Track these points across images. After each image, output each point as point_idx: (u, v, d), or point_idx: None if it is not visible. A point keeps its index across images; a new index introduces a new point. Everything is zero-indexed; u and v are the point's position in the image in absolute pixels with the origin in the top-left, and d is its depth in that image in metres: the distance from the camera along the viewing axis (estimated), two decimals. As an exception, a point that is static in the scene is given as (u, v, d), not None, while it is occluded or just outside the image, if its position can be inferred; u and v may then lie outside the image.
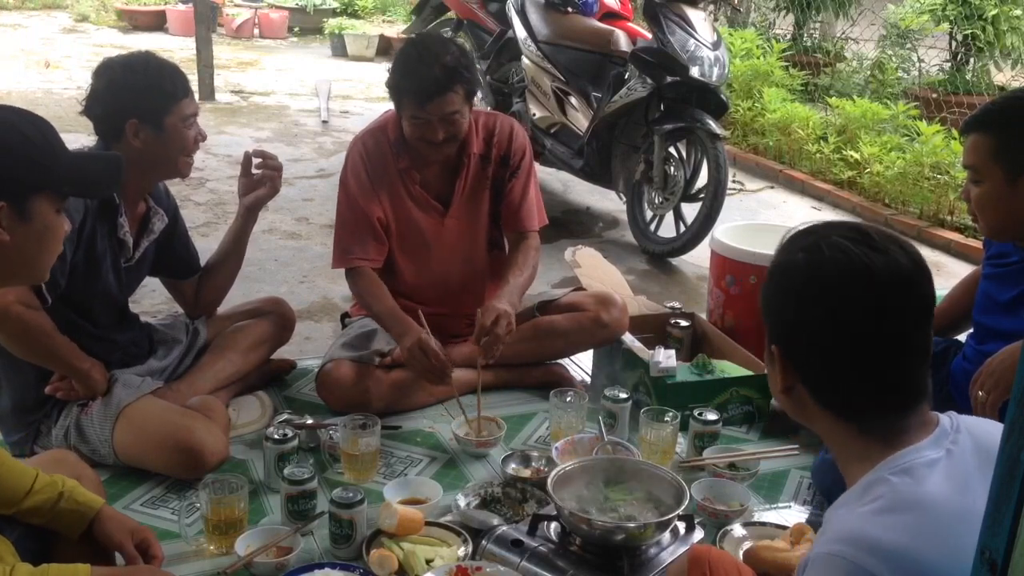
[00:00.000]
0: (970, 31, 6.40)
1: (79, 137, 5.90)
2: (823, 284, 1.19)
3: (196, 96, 2.50)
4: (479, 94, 4.72)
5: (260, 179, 2.66)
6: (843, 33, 8.13)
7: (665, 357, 2.73)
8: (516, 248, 2.89)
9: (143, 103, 2.33)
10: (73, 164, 1.63)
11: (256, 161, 2.66)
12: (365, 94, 7.99)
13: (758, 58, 6.71)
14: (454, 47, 2.66)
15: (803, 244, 1.23)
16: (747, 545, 2.09)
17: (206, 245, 2.84)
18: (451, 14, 5.69)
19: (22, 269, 1.60)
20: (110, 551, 1.77)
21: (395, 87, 2.64)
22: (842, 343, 1.19)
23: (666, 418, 2.48)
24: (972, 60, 6.67)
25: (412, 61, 2.60)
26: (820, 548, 1.12)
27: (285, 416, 2.57)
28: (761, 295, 1.29)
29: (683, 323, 3.09)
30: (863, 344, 1.17)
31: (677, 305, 3.31)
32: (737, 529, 2.19)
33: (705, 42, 4.21)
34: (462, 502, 2.22)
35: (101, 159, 1.88)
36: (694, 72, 4.14)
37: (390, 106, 2.79)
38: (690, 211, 4.35)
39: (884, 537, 1.07)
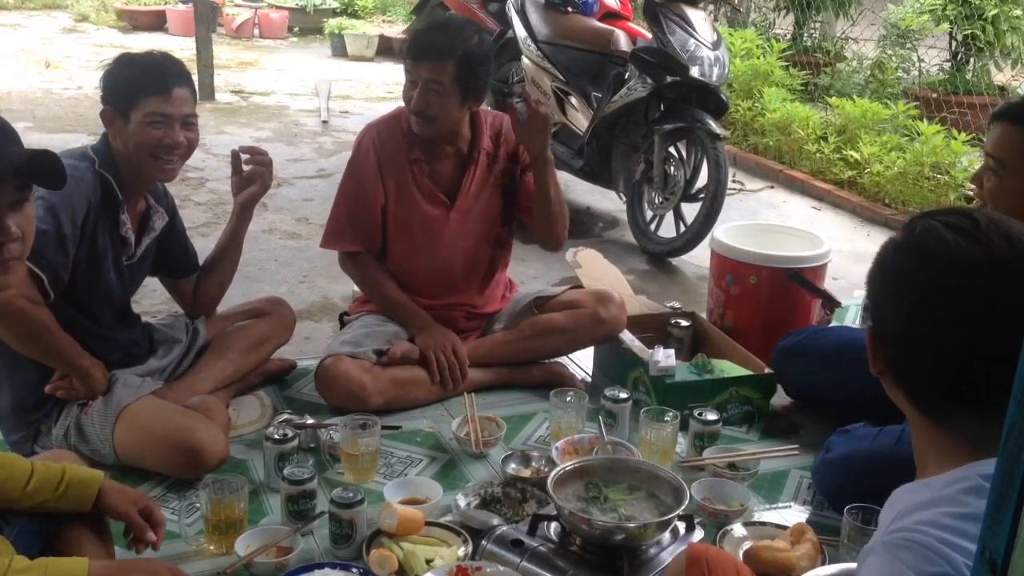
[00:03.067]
0: (970, 31, 6.40)
1: (79, 137, 5.93)
2: (913, 272, 1.15)
3: (196, 98, 2.46)
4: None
5: (251, 176, 2.65)
6: (843, 33, 8.13)
7: (664, 356, 2.73)
8: None
9: (115, 90, 2.33)
10: None
11: (245, 157, 2.65)
12: (365, 94, 7.99)
13: (758, 58, 6.71)
14: (476, 37, 2.71)
15: (907, 226, 1.19)
16: (747, 545, 2.09)
17: (206, 245, 2.84)
18: (451, 14, 5.69)
19: None
20: (108, 547, 1.81)
21: (405, 47, 2.73)
22: (922, 333, 1.14)
23: (666, 418, 2.48)
24: (972, 60, 6.67)
25: (429, 24, 2.73)
26: (895, 533, 1.09)
27: (285, 416, 2.57)
28: (868, 276, 1.26)
29: (683, 323, 3.09)
30: (943, 337, 1.11)
31: (677, 305, 3.31)
32: (737, 529, 2.19)
33: (705, 42, 4.21)
34: (462, 502, 2.22)
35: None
36: (694, 72, 4.14)
37: (391, 106, 2.81)
38: (690, 211, 4.35)
39: (960, 541, 1.04)
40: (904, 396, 1.21)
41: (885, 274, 1.20)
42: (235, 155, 2.64)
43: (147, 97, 2.31)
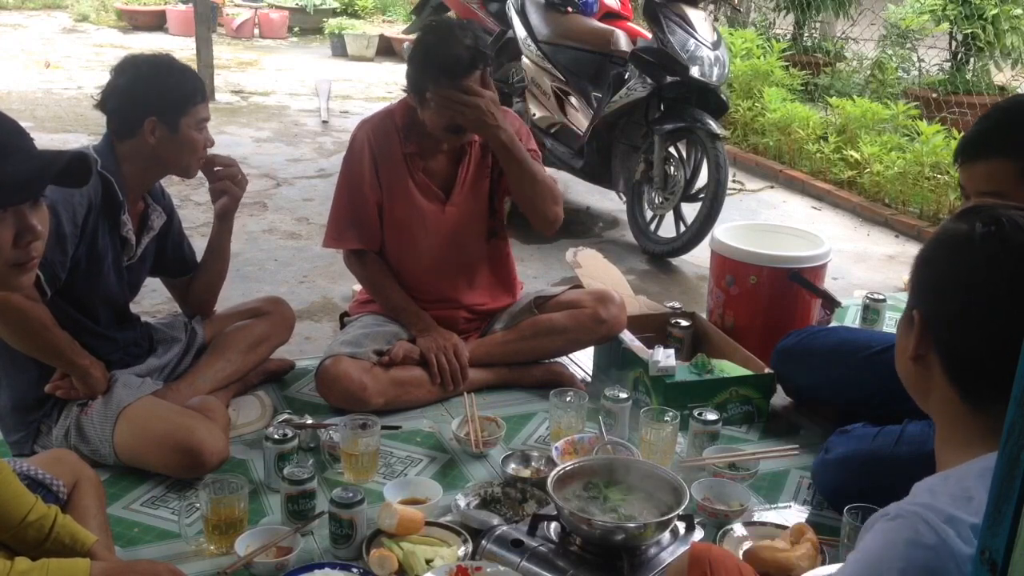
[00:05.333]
0: (970, 31, 6.40)
1: (79, 137, 5.93)
2: (999, 262, 1.17)
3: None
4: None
5: (219, 188, 2.62)
6: (843, 33, 8.13)
7: (664, 356, 2.73)
8: None
9: (164, 102, 2.35)
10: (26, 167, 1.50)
11: (218, 169, 2.61)
12: (365, 94, 7.99)
13: (758, 58, 6.71)
14: (471, 32, 2.69)
15: (982, 218, 1.20)
16: (747, 545, 2.09)
17: (206, 245, 2.84)
18: (451, 14, 5.69)
19: None
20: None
21: (420, 71, 2.64)
22: (999, 324, 1.16)
23: (666, 418, 2.48)
24: (972, 60, 6.67)
25: (436, 44, 2.63)
26: (909, 507, 1.12)
27: (285, 416, 2.57)
28: (920, 259, 1.27)
29: (683, 323, 3.09)
30: (1013, 327, 1.13)
31: (677, 305, 3.31)
32: (737, 529, 2.19)
33: (705, 42, 4.21)
34: (462, 502, 2.22)
35: (38, 160, 1.56)
36: (694, 72, 4.14)
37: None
38: (690, 211, 4.35)
39: (971, 519, 1.06)
40: (948, 381, 1.23)
41: (958, 261, 1.21)
42: (207, 164, 2.57)
43: (197, 105, 2.39)
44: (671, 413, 2.49)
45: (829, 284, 3.25)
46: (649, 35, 4.42)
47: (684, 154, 4.41)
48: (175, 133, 2.36)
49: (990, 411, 1.19)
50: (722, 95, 4.32)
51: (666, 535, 2.04)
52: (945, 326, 1.22)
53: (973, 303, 1.19)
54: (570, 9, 4.84)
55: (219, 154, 2.59)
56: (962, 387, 1.22)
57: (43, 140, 5.58)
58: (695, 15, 4.28)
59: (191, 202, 4.82)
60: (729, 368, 2.85)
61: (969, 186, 2.05)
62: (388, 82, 8.49)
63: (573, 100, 4.79)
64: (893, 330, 3.30)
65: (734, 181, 5.59)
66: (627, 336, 2.90)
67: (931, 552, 1.06)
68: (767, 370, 2.80)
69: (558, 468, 2.12)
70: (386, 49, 9.77)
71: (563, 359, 3.06)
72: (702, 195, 4.25)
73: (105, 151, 2.36)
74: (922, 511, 1.09)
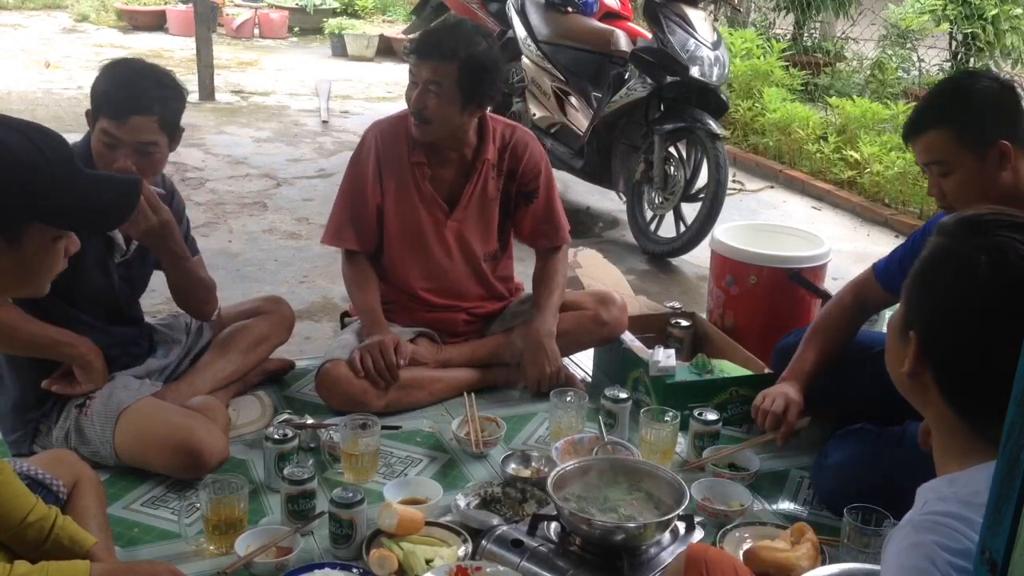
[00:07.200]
0: (970, 31, 6.41)
1: (79, 137, 5.92)
2: (1004, 295, 1.16)
3: (174, 121, 2.34)
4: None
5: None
6: (843, 33, 8.13)
7: (665, 356, 2.73)
8: (546, 263, 2.93)
9: (91, 97, 2.30)
10: (78, 193, 1.54)
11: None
12: (365, 94, 7.98)
13: (758, 58, 6.71)
14: (485, 43, 2.68)
15: (984, 244, 1.18)
16: (747, 545, 2.09)
17: (205, 245, 2.84)
18: (451, 14, 5.69)
19: (15, 286, 1.59)
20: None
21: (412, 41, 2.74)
22: (1001, 354, 1.13)
23: (666, 418, 2.48)
24: (972, 60, 6.67)
25: (438, 25, 2.73)
26: (924, 516, 1.12)
27: (285, 416, 2.57)
28: (915, 279, 1.26)
29: (683, 323, 3.09)
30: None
31: (677, 305, 3.31)
32: (737, 529, 2.19)
33: (705, 42, 4.21)
34: (462, 502, 2.22)
35: (116, 184, 1.69)
36: (694, 72, 4.14)
37: (390, 106, 2.80)
38: (690, 211, 4.36)
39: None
40: (945, 402, 1.22)
41: (960, 292, 1.20)
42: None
43: (104, 116, 2.27)
44: (671, 413, 2.49)
45: (829, 284, 3.25)
46: (649, 35, 4.42)
47: (684, 154, 4.41)
48: (94, 132, 2.30)
49: (989, 427, 1.18)
50: (722, 95, 4.32)
51: (666, 535, 2.04)
52: (944, 352, 1.21)
53: (975, 335, 1.18)
54: (570, 9, 4.85)
55: (153, 188, 2.34)
56: (959, 409, 1.21)
57: (43, 140, 5.57)
58: (695, 15, 4.29)
59: (191, 202, 4.81)
60: (729, 368, 2.85)
61: (919, 161, 2.22)
62: (388, 82, 8.48)
63: (573, 100, 4.79)
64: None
65: (734, 181, 5.59)
66: (627, 336, 2.90)
67: (961, 545, 1.07)
68: (767, 370, 2.80)
69: (558, 468, 2.12)
70: (386, 49, 9.77)
71: (563, 359, 3.05)
72: (702, 195, 4.25)
73: (83, 150, 2.32)
74: (941, 519, 1.10)
